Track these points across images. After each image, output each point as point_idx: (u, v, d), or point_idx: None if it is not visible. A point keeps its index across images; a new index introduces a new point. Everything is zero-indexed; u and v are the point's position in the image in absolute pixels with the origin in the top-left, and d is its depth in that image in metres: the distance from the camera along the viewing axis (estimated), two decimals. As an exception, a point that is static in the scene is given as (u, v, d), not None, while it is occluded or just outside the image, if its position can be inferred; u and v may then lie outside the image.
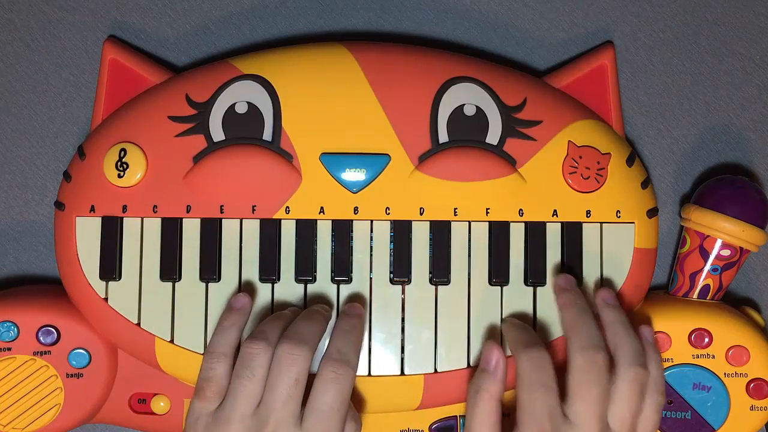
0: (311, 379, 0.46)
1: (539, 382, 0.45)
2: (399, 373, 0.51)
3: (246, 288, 0.51)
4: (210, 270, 0.51)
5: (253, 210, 0.51)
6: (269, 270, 0.51)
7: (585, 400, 0.44)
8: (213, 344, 0.47)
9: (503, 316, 0.51)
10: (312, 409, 0.45)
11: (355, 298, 0.51)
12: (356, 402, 0.51)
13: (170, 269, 0.51)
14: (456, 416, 0.52)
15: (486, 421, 0.46)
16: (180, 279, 0.51)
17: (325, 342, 0.49)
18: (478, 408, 0.46)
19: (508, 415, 0.49)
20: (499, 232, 0.51)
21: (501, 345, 0.48)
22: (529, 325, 0.51)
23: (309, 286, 0.51)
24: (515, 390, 0.46)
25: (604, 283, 0.52)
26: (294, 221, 0.51)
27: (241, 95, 0.52)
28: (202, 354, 0.50)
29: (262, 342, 0.46)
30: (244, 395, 0.45)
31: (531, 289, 0.52)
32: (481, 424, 0.46)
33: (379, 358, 0.51)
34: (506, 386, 0.46)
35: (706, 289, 0.53)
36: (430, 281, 0.51)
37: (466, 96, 0.52)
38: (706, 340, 0.51)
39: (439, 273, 0.51)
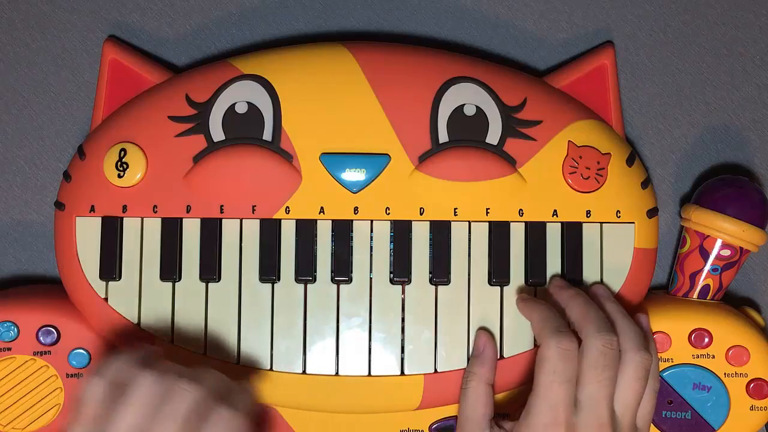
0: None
1: (564, 375, 0.45)
2: (399, 373, 0.51)
3: (246, 288, 0.51)
4: (210, 270, 0.51)
5: (253, 210, 0.51)
6: (269, 270, 0.51)
7: (600, 382, 0.45)
8: (102, 366, 0.43)
9: (518, 293, 0.51)
10: None
11: (356, 298, 0.51)
12: (357, 402, 0.51)
13: (170, 269, 0.51)
14: (456, 416, 0.52)
15: (476, 402, 0.47)
16: (180, 279, 0.51)
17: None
18: (470, 390, 0.48)
19: (508, 415, 0.49)
20: (499, 232, 0.51)
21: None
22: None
23: (309, 286, 0.51)
24: (534, 371, 0.46)
25: (604, 283, 0.52)
26: (294, 221, 0.51)
27: (241, 95, 0.52)
28: (203, 354, 0.51)
29: (153, 374, 0.42)
30: (122, 425, 0.41)
31: (531, 289, 0.52)
32: (473, 405, 0.47)
33: (379, 358, 0.51)
34: (514, 382, 0.47)
35: (706, 289, 0.53)
36: (430, 281, 0.51)
37: (466, 96, 0.52)
38: (706, 340, 0.51)
39: (439, 273, 0.51)
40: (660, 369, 0.51)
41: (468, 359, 0.51)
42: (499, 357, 0.51)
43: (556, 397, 0.44)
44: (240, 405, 0.44)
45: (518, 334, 0.51)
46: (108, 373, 0.43)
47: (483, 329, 0.51)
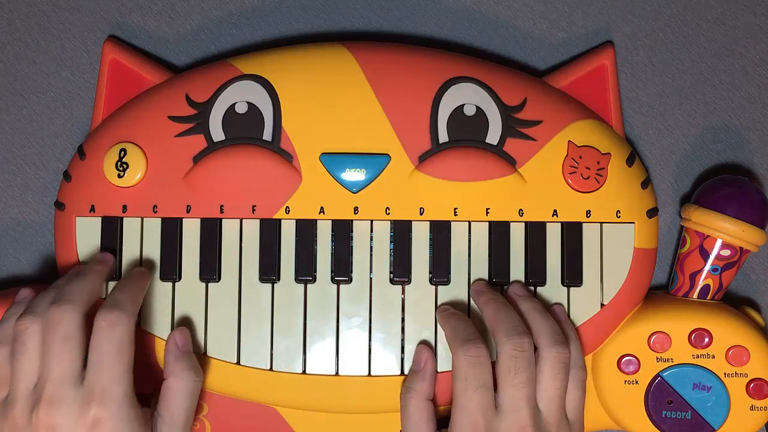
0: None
1: (476, 381, 0.45)
2: (399, 373, 0.51)
3: (246, 288, 0.51)
4: (210, 270, 0.51)
5: (253, 210, 0.51)
6: (269, 270, 0.51)
7: (515, 386, 0.46)
8: None
9: (438, 304, 0.51)
10: (90, 363, 0.44)
11: (356, 298, 0.51)
12: (357, 402, 0.51)
13: (170, 269, 0.51)
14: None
15: (419, 420, 0.47)
16: (180, 279, 0.51)
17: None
18: (411, 408, 0.48)
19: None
20: (499, 232, 0.51)
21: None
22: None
23: (309, 286, 0.51)
24: (452, 383, 0.47)
25: (604, 283, 0.52)
26: (294, 221, 0.51)
27: (241, 95, 0.52)
28: (203, 354, 0.51)
29: (29, 315, 0.45)
30: (21, 371, 0.44)
31: (531, 289, 0.52)
32: (416, 423, 0.47)
33: (379, 358, 0.51)
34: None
35: (706, 289, 0.53)
36: (430, 281, 0.51)
37: (466, 96, 0.52)
38: (706, 340, 0.51)
39: (439, 273, 0.51)
40: (660, 369, 0.51)
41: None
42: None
43: (472, 405, 0.45)
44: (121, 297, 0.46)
45: (420, 343, 0.51)
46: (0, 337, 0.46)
47: (423, 343, 0.51)
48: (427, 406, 0.48)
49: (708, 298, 0.53)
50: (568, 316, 0.51)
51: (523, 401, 0.45)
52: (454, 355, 0.47)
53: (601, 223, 0.52)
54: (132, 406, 0.44)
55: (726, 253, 0.52)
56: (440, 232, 0.51)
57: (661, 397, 0.51)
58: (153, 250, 0.51)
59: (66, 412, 0.43)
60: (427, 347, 0.50)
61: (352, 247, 0.51)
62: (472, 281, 0.51)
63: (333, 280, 0.51)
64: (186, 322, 0.51)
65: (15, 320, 0.46)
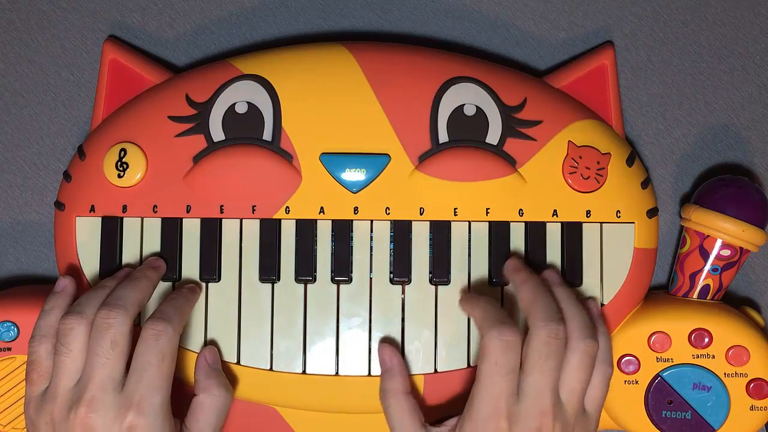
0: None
1: (506, 367, 0.45)
2: (399, 373, 0.51)
3: (246, 288, 0.51)
4: (210, 270, 0.51)
5: (253, 210, 0.51)
6: (269, 270, 0.51)
7: (543, 372, 0.45)
8: (34, 329, 0.48)
9: (463, 290, 0.51)
10: (133, 370, 0.45)
11: (356, 298, 0.51)
12: (357, 402, 0.51)
13: (170, 269, 0.51)
14: (454, 416, 0.52)
15: (403, 416, 0.48)
16: (180, 279, 0.51)
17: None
18: (392, 408, 0.48)
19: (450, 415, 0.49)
20: (499, 232, 0.51)
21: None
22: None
23: (309, 286, 0.51)
24: (477, 362, 0.46)
25: (604, 283, 0.52)
26: (294, 221, 0.51)
27: (241, 95, 0.52)
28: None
29: (76, 316, 0.46)
30: (64, 370, 0.45)
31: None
32: (401, 421, 0.48)
33: (379, 358, 0.51)
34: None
35: (706, 289, 0.53)
36: (430, 281, 0.51)
37: (466, 96, 0.52)
38: (706, 340, 0.51)
39: (439, 273, 0.51)
40: (660, 369, 0.51)
41: (468, 359, 0.51)
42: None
43: (497, 389, 0.45)
44: (172, 314, 0.47)
45: (381, 343, 0.51)
46: (41, 332, 0.47)
47: (383, 341, 0.50)
48: (407, 399, 0.48)
49: (708, 298, 0.53)
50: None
51: (548, 388, 0.45)
52: (486, 337, 0.46)
53: (601, 223, 0.52)
54: (166, 417, 0.45)
55: (726, 253, 0.52)
56: (440, 232, 0.51)
57: (661, 397, 0.51)
58: (153, 250, 0.51)
59: (104, 415, 0.44)
60: (387, 345, 0.50)
61: (352, 247, 0.51)
62: (508, 258, 0.51)
63: (333, 280, 0.51)
64: (186, 322, 0.51)
65: (58, 313, 0.47)
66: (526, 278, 0.49)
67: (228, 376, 0.50)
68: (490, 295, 0.51)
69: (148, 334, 0.46)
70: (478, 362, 0.46)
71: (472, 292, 0.51)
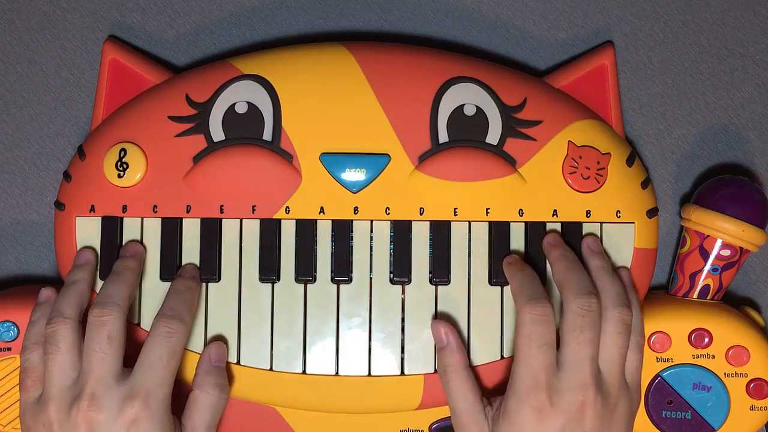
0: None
1: (540, 339, 0.46)
2: (399, 373, 0.51)
3: (246, 288, 0.51)
4: (210, 270, 0.51)
5: (253, 210, 0.51)
6: (269, 270, 0.51)
7: (579, 343, 0.46)
8: (24, 340, 0.49)
9: (508, 255, 0.51)
10: (141, 363, 0.46)
11: (356, 298, 0.51)
12: (357, 402, 0.51)
13: (170, 269, 0.51)
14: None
15: (462, 391, 0.48)
16: (180, 279, 0.51)
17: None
18: (453, 382, 0.48)
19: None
20: (499, 232, 0.51)
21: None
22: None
23: (309, 286, 0.51)
24: (514, 339, 0.47)
25: (604, 283, 0.52)
26: (294, 221, 0.51)
27: (241, 95, 0.52)
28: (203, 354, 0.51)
29: (57, 317, 0.47)
30: (56, 369, 0.46)
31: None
32: (460, 396, 0.48)
33: (379, 358, 0.51)
34: None
35: (706, 289, 0.53)
36: (430, 281, 0.51)
37: (466, 96, 0.52)
38: (706, 340, 0.51)
39: (439, 273, 0.51)
40: (660, 369, 0.51)
41: (468, 359, 0.51)
42: (499, 357, 0.51)
43: (534, 362, 0.45)
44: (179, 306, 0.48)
45: (434, 320, 0.51)
46: (31, 341, 0.48)
47: (435, 320, 0.50)
48: (467, 374, 0.48)
49: (708, 298, 0.53)
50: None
51: (587, 360, 0.46)
52: (519, 312, 0.47)
53: (601, 223, 0.52)
54: (167, 413, 0.46)
55: (726, 253, 0.52)
56: (440, 232, 0.51)
57: (661, 397, 0.51)
58: (153, 250, 0.51)
59: (107, 408, 0.44)
60: (442, 321, 0.50)
61: (352, 247, 0.51)
62: (545, 234, 0.51)
63: (333, 280, 0.51)
64: (186, 322, 0.51)
65: (44, 323, 0.48)
66: (559, 255, 0.49)
67: (228, 376, 0.50)
68: (490, 295, 0.51)
69: (162, 331, 0.46)
70: (514, 338, 0.47)
71: (516, 257, 0.51)
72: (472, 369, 0.50)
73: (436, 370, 0.51)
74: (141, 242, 0.51)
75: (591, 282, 0.48)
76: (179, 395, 0.48)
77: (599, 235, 0.52)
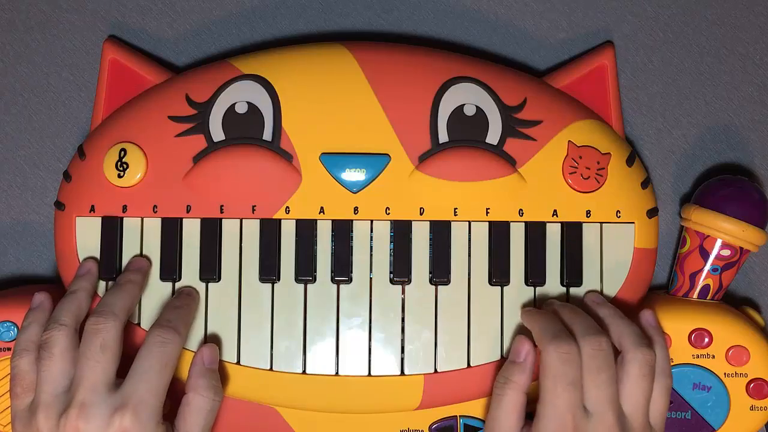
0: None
1: (566, 379, 0.45)
2: (399, 373, 0.51)
3: (246, 288, 0.51)
4: (210, 270, 0.51)
5: (253, 210, 0.51)
6: (269, 270, 0.51)
7: (598, 386, 0.45)
8: (15, 345, 0.48)
9: (524, 306, 0.51)
10: (134, 372, 0.45)
11: (356, 298, 0.51)
12: (357, 402, 0.51)
13: (170, 269, 0.51)
14: (456, 416, 0.52)
15: (512, 411, 0.47)
16: (180, 279, 0.51)
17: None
18: (506, 397, 0.47)
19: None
20: (499, 232, 0.51)
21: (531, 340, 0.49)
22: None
23: (309, 286, 0.51)
24: (539, 380, 0.46)
25: (604, 283, 0.52)
26: (294, 221, 0.51)
27: (241, 95, 0.52)
28: (202, 354, 0.51)
29: (54, 324, 0.47)
30: (48, 375, 0.45)
31: (531, 289, 0.52)
32: (507, 414, 0.47)
33: (379, 358, 0.51)
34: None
35: (706, 289, 0.53)
36: (430, 281, 0.51)
37: (466, 96, 0.52)
38: (706, 340, 0.51)
39: (439, 273, 0.51)
40: (660, 369, 0.51)
41: (468, 359, 0.51)
42: (499, 357, 0.51)
43: (561, 402, 0.45)
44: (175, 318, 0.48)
45: (519, 334, 0.51)
46: (21, 346, 0.47)
47: (522, 336, 0.49)
48: (522, 398, 0.47)
49: (708, 298, 0.53)
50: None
51: (607, 403, 0.45)
52: (544, 352, 0.46)
53: (601, 223, 0.52)
54: (159, 422, 0.45)
55: (726, 253, 0.52)
56: (440, 232, 0.51)
57: (661, 397, 0.51)
58: (153, 250, 0.51)
59: (97, 417, 0.44)
60: (528, 339, 0.48)
61: (352, 247, 0.51)
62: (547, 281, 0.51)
63: (333, 280, 0.51)
64: (186, 323, 0.51)
65: (36, 328, 0.48)
66: (559, 306, 0.49)
67: (228, 376, 0.50)
68: (490, 295, 0.51)
69: (155, 341, 0.46)
70: (540, 379, 0.46)
71: (532, 308, 0.51)
72: (472, 369, 0.50)
73: (436, 370, 0.51)
74: (142, 254, 0.51)
75: (596, 324, 0.47)
76: (172, 399, 0.48)
77: (599, 235, 0.52)
